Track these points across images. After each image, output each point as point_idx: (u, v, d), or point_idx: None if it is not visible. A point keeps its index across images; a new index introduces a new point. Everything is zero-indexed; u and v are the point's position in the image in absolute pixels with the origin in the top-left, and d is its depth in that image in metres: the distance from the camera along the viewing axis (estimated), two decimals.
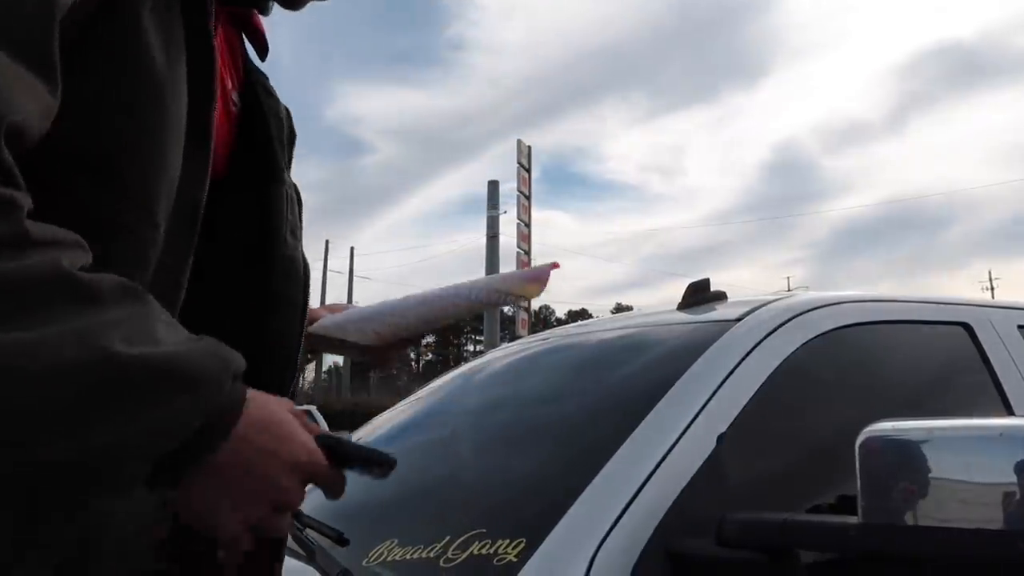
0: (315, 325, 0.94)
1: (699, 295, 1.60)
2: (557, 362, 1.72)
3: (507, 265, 19.43)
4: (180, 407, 0.49)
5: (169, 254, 0.59)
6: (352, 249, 41.31)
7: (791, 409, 1.29)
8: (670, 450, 1.08)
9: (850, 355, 1.42)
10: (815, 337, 1.34)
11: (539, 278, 0.88)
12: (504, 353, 1.97)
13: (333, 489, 0.60)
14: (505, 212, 19.10)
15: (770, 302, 1.45)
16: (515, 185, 19.40)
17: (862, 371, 1.45)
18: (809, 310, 1.39)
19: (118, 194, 0.56)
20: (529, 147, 19.84)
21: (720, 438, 1.12)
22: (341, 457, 0.59)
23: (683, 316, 1.57)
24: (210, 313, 0.65)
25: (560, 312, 77.64)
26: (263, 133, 0.76)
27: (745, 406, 1.18)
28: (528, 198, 19.55)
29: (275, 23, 0.80)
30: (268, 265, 0.75)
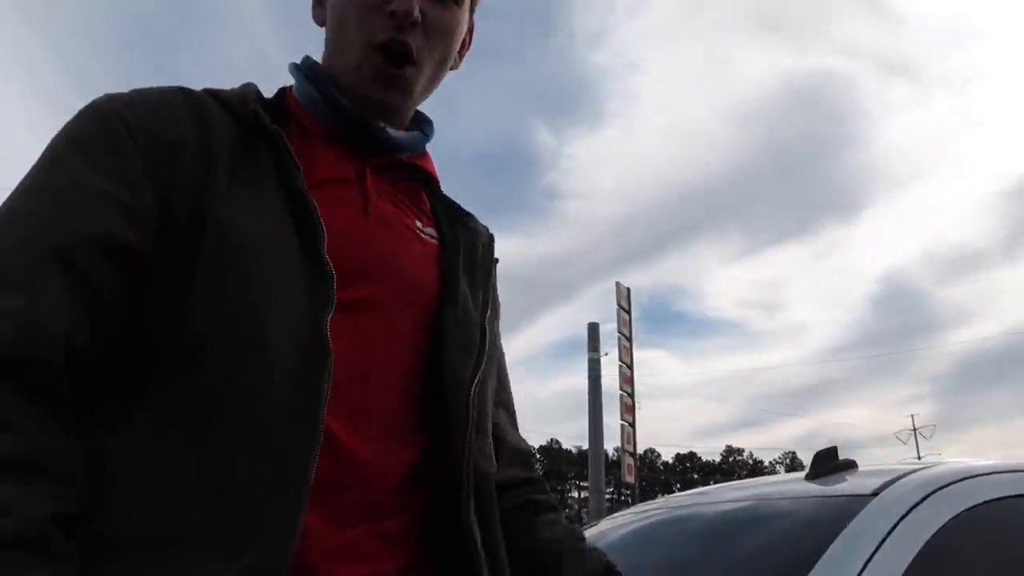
0: None
1: (827, 464, 1.55)
2: (678, 536, 1.67)
3: (610, 407, 19.11)
4: None
5: (304, 371, 0.65)
6: None
7: None
8: None
9: (1002, 532, 1.33)
10: (961, 513, 1.26)
11: None
12: (620, 522, 1.92)
13: None
14: (607, 354, 19.00)
15: (907, 474, 1.39)
16: (615, 326, 19.42)
17: (1016, 551, 1.34)
18: (951, 483, 1.33)
19: (230, 335, 0.64)
20: (628, 289, 19.96)
21: None
22: None
23: (813, 488, 1.52)
24: (400, 409, 0.75)
25: (667, 455, 74.64)
26: (444, 261, 0.85)
27: None
28: (629, 339, 19.46)
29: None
30: (439, 375, 0.79)
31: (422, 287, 0.80)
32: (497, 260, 0.98)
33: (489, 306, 0.87)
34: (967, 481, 1.35)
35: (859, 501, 1.30)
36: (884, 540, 1.18)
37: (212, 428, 0.62)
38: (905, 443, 46.72)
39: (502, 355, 0.99)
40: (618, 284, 19.63)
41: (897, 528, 1.20)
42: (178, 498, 0.60)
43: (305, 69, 0.86)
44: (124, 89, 0.75)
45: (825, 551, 1.19)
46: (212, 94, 0.77)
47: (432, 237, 0.86)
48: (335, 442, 0.67)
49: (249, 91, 0.81)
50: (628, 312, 19.62)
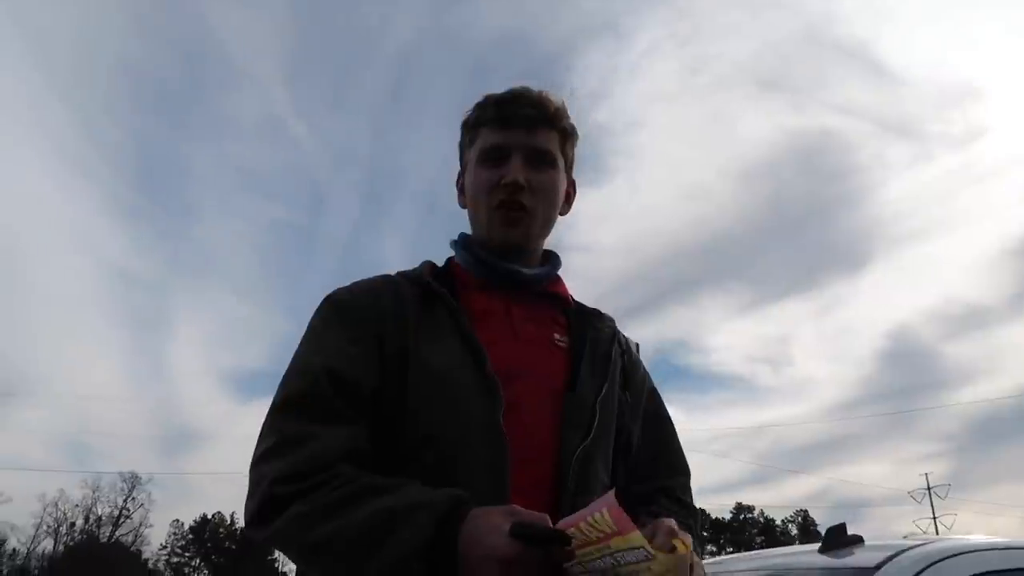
0: None
1: (837, 539, 1.76)
2: None
3: None
4: (420, 530, 0.82)
5: (493, 460, 0.95)
6: None
7: None
8: None
9: None
10: None
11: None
12: None
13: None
14: None
15: (906, 549, 1.58)
16: None
17: None
18: (944, 559, 1.52)
19: (442, 439, 0.97)
20: (637, 344, 20.04)
21: None
22: (527, 539, 0.78)
23: (823, 560, 1.72)
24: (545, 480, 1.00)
25: None
26: (572, 360, 1.11)
27: None
28: None
29: None
30: (564, 457, 1.01)
31: (553, 383, 1.08)
32: (624, 343, 1.25)
33: (605, 389, 1.11)
34: (962, 556, 1.54)
35: (864, 573, 1.50)
36: None
37: None
38: (919, 502, 45.94)
39: (664, 427, 1.25)
40: (627, 339, 19.71)
41: None
42: None
43: (460, 241, 1.21)
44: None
45: None
46: (402, 274, 1.15)
47: (564, 343, 1.14)
48: None
49: (425, 267, 1.18)
50: None
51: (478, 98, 1.22)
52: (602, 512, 0.80)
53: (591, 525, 0.80)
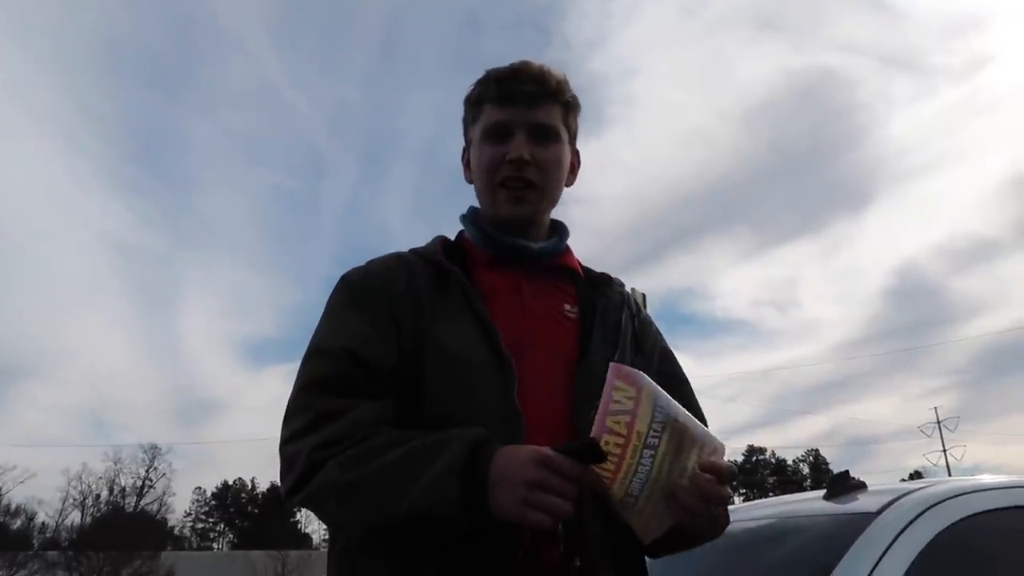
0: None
1: (842, 485, 1.80)
2: (704, 550, 1.90)
3: None
4: (454, 455, 0.89)
5: (507, 436, 0.95)
6: None
7: None
8: None
9: (986, 543, 1.56)
10: (948, 527, 1.50)
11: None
12: None
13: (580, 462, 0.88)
14: None
15: (907, 493, 1.62)
16: None
17: (998, 558, 1.57)
18: (944, 500, 1.56)
19: (458, 417, 0.97)
20: (644, 295, 20.06)
21: None
22: (565, 452, 0.86)
23: (829, 506, 1.77)
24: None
25: None
26: (582, 331, 1.13)
27: None
28: None
29: None
30: (577, 428, 1.02)
31: (564, 355, 1.10)
32: (635, 305, 1.25)
33: (616, 357, 1.12)
34: (958, 498, 1.58)
35: (866, 518, 1.55)
36: (884, 554, 1.41)
37: None
38: (930, 436, 46.44)
39: (681, 388, 1.23)
40: (633, 290, 19.71)
41: (896, 542, 1.44)
42: None
43: (469, 216, 1.23)
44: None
45: (836, 564, 1.43)
46: (414, 252, 1.17)
47: (574, 314, 1.16)
48: None
49: (437, 243, 1.20)
50: None
51: (479, 74, 1.22)
52: (615, 385, 0.89)
53: (616, 414, 0.89)
